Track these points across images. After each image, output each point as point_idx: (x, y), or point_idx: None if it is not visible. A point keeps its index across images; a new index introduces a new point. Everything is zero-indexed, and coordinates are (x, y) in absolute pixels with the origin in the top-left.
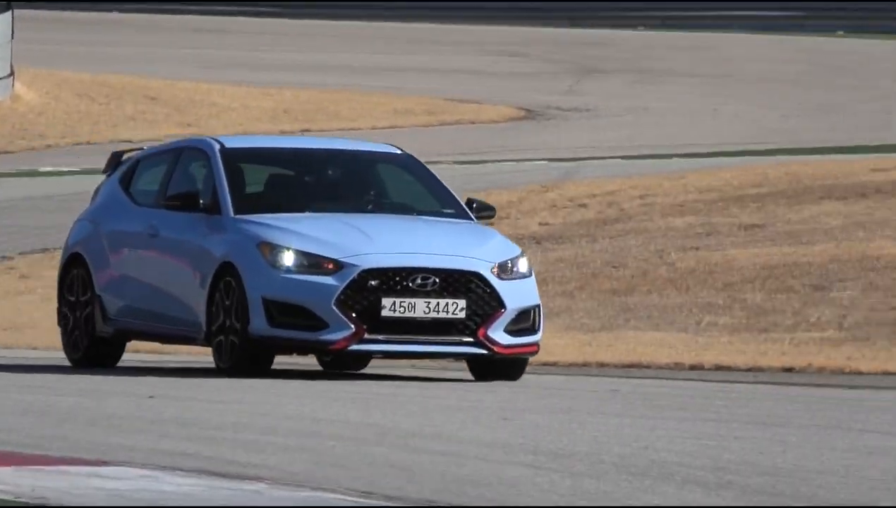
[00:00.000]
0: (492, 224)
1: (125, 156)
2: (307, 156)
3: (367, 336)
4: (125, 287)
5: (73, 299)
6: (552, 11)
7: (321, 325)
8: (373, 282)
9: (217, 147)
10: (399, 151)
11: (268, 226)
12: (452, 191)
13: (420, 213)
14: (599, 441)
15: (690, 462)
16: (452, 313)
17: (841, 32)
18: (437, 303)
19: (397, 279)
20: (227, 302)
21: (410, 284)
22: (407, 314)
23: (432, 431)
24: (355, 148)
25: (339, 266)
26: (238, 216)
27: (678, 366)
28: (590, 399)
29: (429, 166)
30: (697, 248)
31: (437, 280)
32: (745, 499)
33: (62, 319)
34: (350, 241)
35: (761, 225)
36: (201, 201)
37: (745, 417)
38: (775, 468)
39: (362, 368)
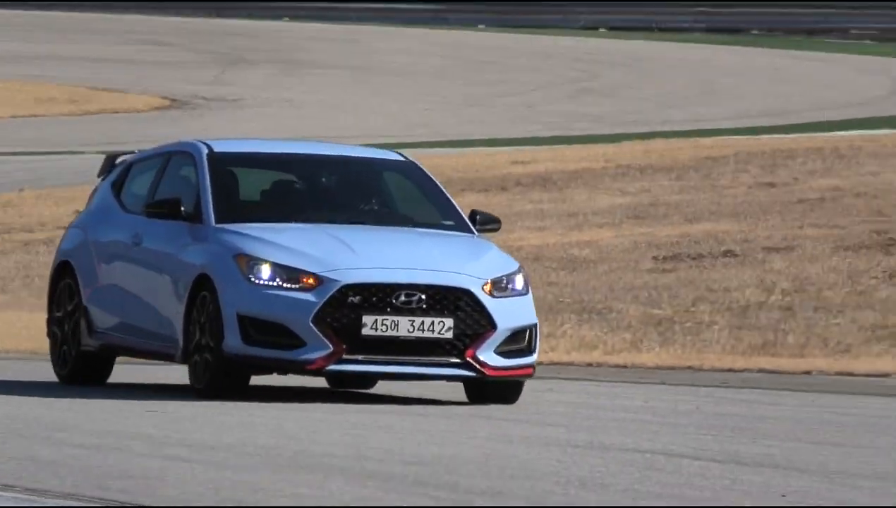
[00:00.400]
0: None
1: (119, 160)
2: (303, 162)
3: (346, 356)
4: (110, 299)
5: (60, 312)
6: (198, 1)
7: (298, 343)
8: (354, 299)
9: (205, 151)
10: (402, 158)
11: (248, 236)
12: (454, 202)
13: (417, 225)
14: (245, 431)
15: (335, 451)
16: (439, 332)
17: (482, 27)
18: (423, 322)
19: (380, 296)
20: (202, 319)
21: (394, 301)
22: (389, 333)
23: (74, 423)
24: (354, 154)
25: (319, 281)
26: (220, 225)
27: None
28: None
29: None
30: None
31: (423, 297)
32: (386, 487)
33: (51, 332)
34: (332, 255)
35: None
36: (183, 208)
37: (389, 408)
38: (418, 456)
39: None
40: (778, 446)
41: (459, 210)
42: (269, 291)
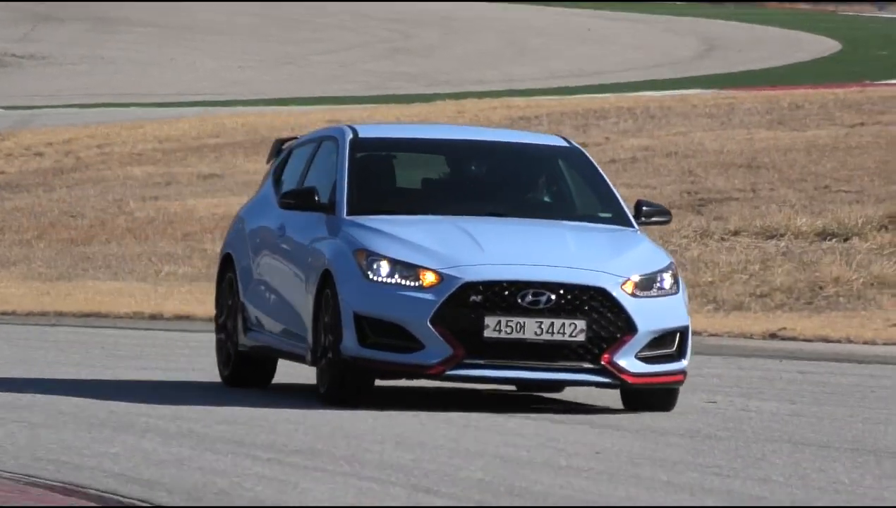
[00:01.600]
0: None
1: (286, 145)
2: (454, 148)
3: (466, 359)
4: (259, 294)
5: (223, 308)
6: None
7: (416, 346)
8: (475, 298)
9: (349, 136)
10: (566, 144)
11: (373, 230)
12: (616, 193)
13: (568, 217)
14: (58, 391)
15: (149, 412)
16: (570, 335)
17: None
18: (552, 324)
19: (504, 295)
20: (325, 318)
21: (520, 301)
22: (515, 335)
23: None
24: (511, 139)
25: (439, 278)
26: (351, 217)
27: (138, 316)
28: (49, 349)
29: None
30: (157, 198)
31: (553, 297)
32: (203, 446)
33: (217, 329)
34: (457, 250)
35: (220, 174)
36: (317, 198)
37: (205, 366)
38: (234, 415)
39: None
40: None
41: (621, 201)
42: (387, 289)
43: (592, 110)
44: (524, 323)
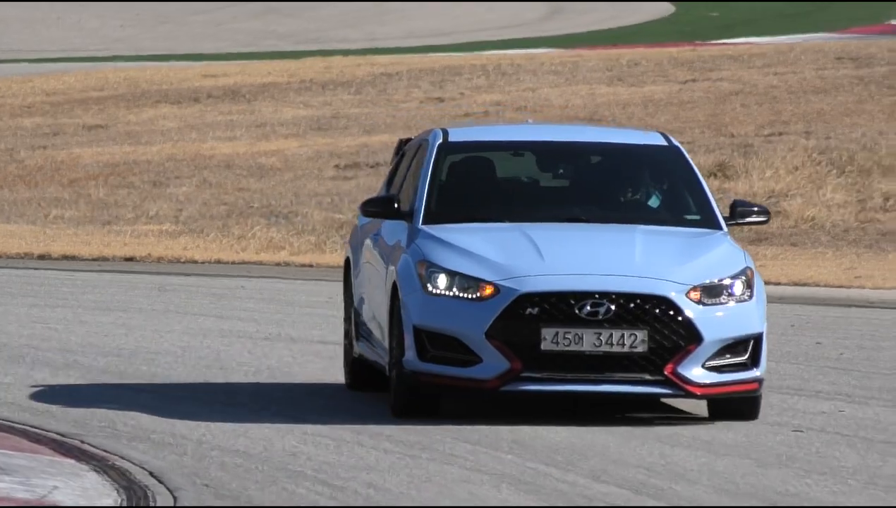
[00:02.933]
0: None
1: (407, 145)
2: (545, 151)
3: (524, 373)
4: (360, 301)
5: (346, 311)
6: None
7: (474, 360)
8: (531, 310)
9: (438, 140)
10: (664, 142)
11: (439, 239)
12: (709, 194)
13: (656, 220)
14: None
15: (39, 345)
16: (630, 346)
17: None
18: (611, 335)
19: (561, 306)
20: (395, 330)
21: (578, 312)
22: (573, 347)
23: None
24: (607, 139)
25: (496, 290)
26: (426, 226)
27: (27, 256)
28: None
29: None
30: (45, 147)
31: (612, 307)
32: (89, 378)
33: (344, 333)
34: (517, 260)
35: (104, 125)
36: (396, 205)
37: (90, 303)
38: (118, 349)
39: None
40: None
41: (712, 202)
42: (445, 302)
43: (448, 67)
44: (582, 334)
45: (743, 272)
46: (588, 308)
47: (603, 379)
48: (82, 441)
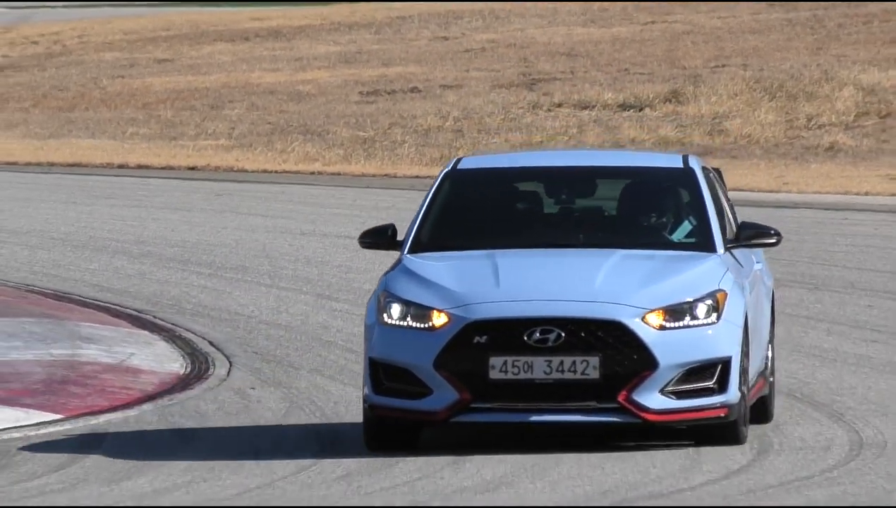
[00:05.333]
0: None
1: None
2: (552, 177)
3: (473, 404)
4: None
5: None
6: None
7: (424, 391)
8: (480, 338)
9: (447, 168)
10: (680, 165)
11: (407, 269)
12: (711, 217)
13: (649, 244)
14: (49, 221)
15: (118, 237)
16: (582, 373)
17: None
18: (562, 362)
19: (510, 333)
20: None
21: (527, 339)
22: (522, 376)
23: None
24: (620, 163)
25: (448, 319)
26: (411, 255)
27: (109, 165)
28: (42, 190)
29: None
30: (123, 77)
31: (563, 333)
32: (159, 264)
33: None
34: (472, 287)
35: (171, 59)
36: (390, 234)
37: (159, 204)
38: (183, 241)
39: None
40: None
41: (711, 224)
42: (398, 333)
43: (452, 12)
44: (532, 362)
45: (711, 295)
46: (537, 335)
47: (555, 407)
48: (154, 317)
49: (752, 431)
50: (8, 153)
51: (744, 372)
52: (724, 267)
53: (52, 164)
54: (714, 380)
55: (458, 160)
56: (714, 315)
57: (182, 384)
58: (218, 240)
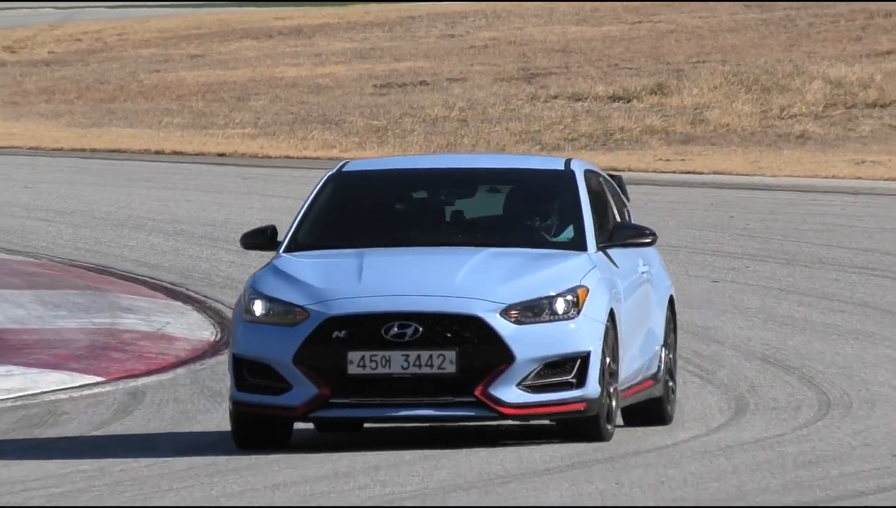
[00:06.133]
0: None
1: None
2: (433, 179)
3: (332, 399)
4: None
5: None
6: None
7: (284, 387)
8: (338, 333)
9: (332, 171)
10: (560, 168)
11: (278, 268)
12: (586, 218)
13: (514, 244)
14: (92, 203)
15: (154, 217)
16: (439, 367)
17: None
18: (419, 356)
19: (368, 329)
20: None
21: (384, 334)
22: (380, 370)
23: None
24: (504, 166)
25: (307, 314)
26: (286, 254)
27: (146, 151)
28: (85, 174)
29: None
30: (158, 71)
31: (420, 328)
32: (191, 241)
33: None
34: (334, 284)
35: (202, 55)
36: (269, 234)
37: (192, 186)
38: (213, 220)
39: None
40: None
41: (585, 224)
42: (259, 329)
43: (458, 12)
44: (389, 357)
45: (572, 290)
46: (395, 330)
47: (412, 402)
48: (187, 289)
49: (731, 392)
50: (55, 140)
51: (609, 368)
52: (591, 265)
53: (94, 150)
54: (573, 375)
55: (344, 163)
56: (574, 310)
57: (212, 350)
58: (244, 220)
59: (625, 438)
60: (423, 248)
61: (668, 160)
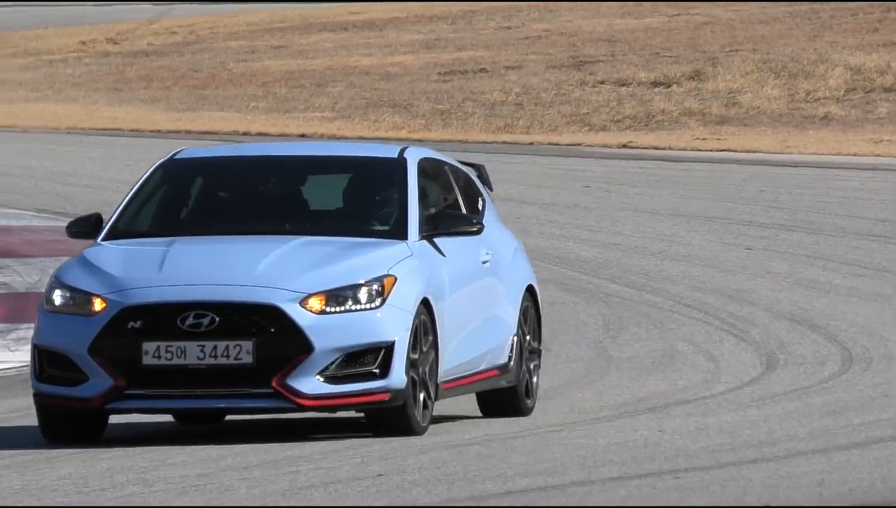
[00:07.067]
0: None
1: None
2: (265, 167)
3: (127, 390)
4: None
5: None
6: None
7: (82, 378)
8: (134, 324)
9: (166, 157)
10: (394, 156)
11: (83, 257)
12: (411, 206)
13: (342, 233)
14: None
15: None
16: (235, 358)
17: None
18: (215, 347)
19: (163, 318)
20: None
21: (180, 324)
22: (175, 361)
23: None
24: (337, 154)
25: (105, 304)
26: (105, 242)
27: (234, 133)
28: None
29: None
30: (245, 60)
31: (217, 318)
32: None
33: None
34: (135, 272)
35: (285, 46)
36: (94, 223)
37: None
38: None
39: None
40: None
41: (410, 214)
42: (59, 319)
43: (513, 7)
44: (185, 347)
45: (378, 279)
46: (191, 320)
47: (209, 393)
48: None
49: (762, 349)
50: (153, 123)
51: (420, 358)
52: (406, 254)
53: (188, 132)
54: (376, 365)
55: (178, 151)
56: (379, 299)
57: None
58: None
59: (666, 389)
60: (237, 237)
61: (704, 139)
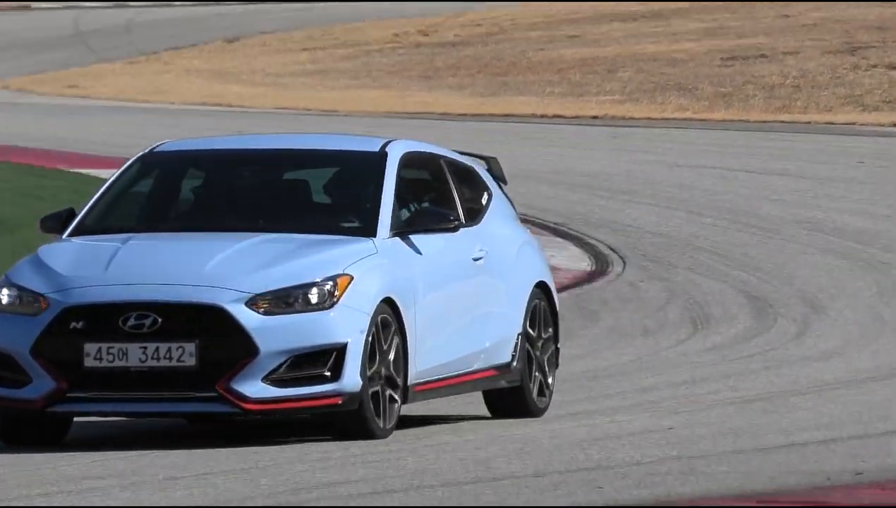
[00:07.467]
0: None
1: None
2: (240, 161)
3: (70, 393)
4: None
5: None
6: None
7: (24, 380)
8: (76, 324)
9: (147, 150)
10: (375, 150)
11: (37, 255)
12: (384, 202)
13: (309, 229)
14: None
15: (538, 169)
16: (178, 360)
17: None
18: (157, 349)
19: (105, 319)
20: None
21: (122, 325)
22: (117, 363)
23: None
24: (316, 147)
25: (48, 304)
26: (72, 238)
27: (533, 116)
28: (483, 134)
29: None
30: (542, 49)
31: (160, 319)
32: (571, 189)
33: None
34: (82, 271)
35: (579, 35)
36: (64, 218)
37: (567, 144)
38: (587, 172)
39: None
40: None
41: (381, 211)
42: (4, 319)
43: (667, 10)
44: (127, 349)
45: (331, 279)
46: (133, 320)
47: (151, 397)
48: (567, 228)
49: (796, 309)
50: (460, 107)
51: (381, 360)
52: (369, 252)
53: (491, 115)
54: (328, 367)
55: (160, 144)
56: (330, 300)
57: (589, 278)
58: (614, 171)
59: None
60: (195, 234)
61: None
